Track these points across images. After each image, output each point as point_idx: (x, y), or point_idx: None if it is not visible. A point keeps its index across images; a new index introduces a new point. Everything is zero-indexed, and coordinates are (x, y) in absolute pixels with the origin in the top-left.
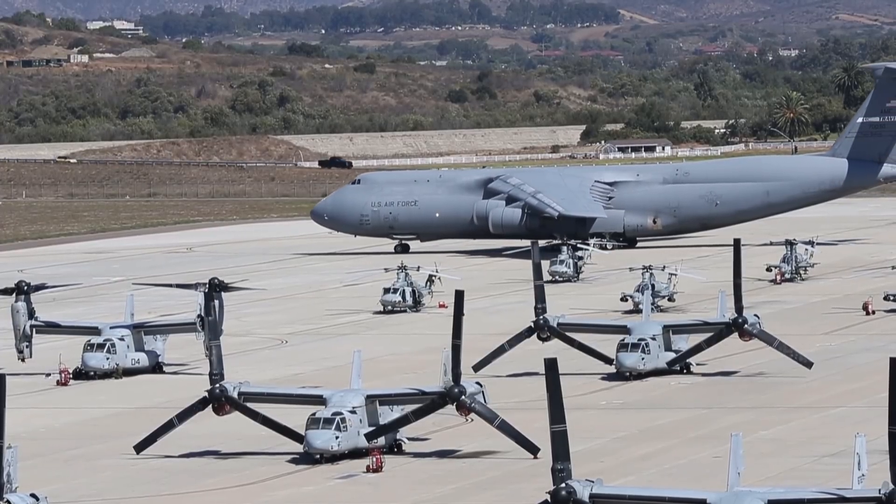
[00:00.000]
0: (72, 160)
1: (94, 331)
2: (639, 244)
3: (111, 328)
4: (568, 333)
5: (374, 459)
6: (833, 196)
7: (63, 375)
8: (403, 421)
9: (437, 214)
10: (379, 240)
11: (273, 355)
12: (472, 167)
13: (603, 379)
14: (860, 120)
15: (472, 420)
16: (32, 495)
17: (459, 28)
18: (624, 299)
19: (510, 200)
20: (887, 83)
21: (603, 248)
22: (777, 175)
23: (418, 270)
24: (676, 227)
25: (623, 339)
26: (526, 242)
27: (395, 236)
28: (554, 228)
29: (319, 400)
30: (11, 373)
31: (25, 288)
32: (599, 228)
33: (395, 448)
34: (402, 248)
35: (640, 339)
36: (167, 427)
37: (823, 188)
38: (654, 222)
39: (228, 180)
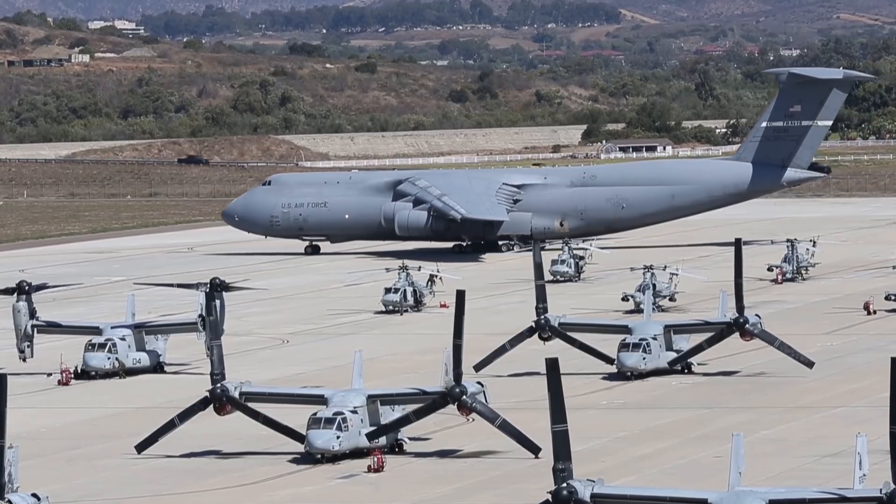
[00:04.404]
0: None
1: (96, 331)
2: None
3: (112, 328)
4: (569, 333)
5: (376, 459)
6: (738, 200)
7: (64, 375)
8: (404, 421)
9: (347, 216)
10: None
11: (274, 355)
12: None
13: (604, 379)
14: (764, 124)
15: (474, 420)
16: (34, 495)
17: (460, 28)
18: (625, 299)
19: (417, 203)
20: (791, 88)
21: (510, 249)
22: (682, 179)
23: (419, 270)
24: (583, 229)
25: (624, 339)
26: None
27: (304, 238)
28: (459, 231)
29: (321, 400)
30: (13, 372)
31: (27, 288)
32: (507, 231)
33: (396, 448)
34: (313, 250)
35: (641, 339)
36: (168, 427)
37: (728, 192)
38: (561, 225)
39: (229, 180)
